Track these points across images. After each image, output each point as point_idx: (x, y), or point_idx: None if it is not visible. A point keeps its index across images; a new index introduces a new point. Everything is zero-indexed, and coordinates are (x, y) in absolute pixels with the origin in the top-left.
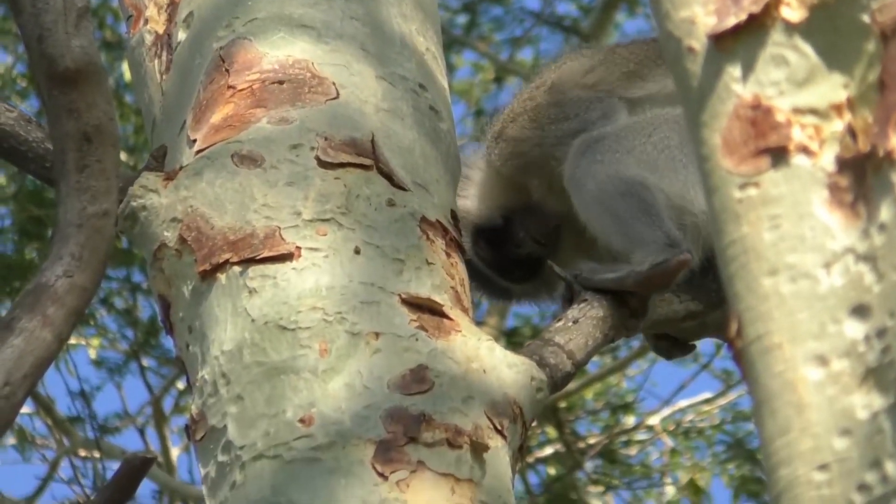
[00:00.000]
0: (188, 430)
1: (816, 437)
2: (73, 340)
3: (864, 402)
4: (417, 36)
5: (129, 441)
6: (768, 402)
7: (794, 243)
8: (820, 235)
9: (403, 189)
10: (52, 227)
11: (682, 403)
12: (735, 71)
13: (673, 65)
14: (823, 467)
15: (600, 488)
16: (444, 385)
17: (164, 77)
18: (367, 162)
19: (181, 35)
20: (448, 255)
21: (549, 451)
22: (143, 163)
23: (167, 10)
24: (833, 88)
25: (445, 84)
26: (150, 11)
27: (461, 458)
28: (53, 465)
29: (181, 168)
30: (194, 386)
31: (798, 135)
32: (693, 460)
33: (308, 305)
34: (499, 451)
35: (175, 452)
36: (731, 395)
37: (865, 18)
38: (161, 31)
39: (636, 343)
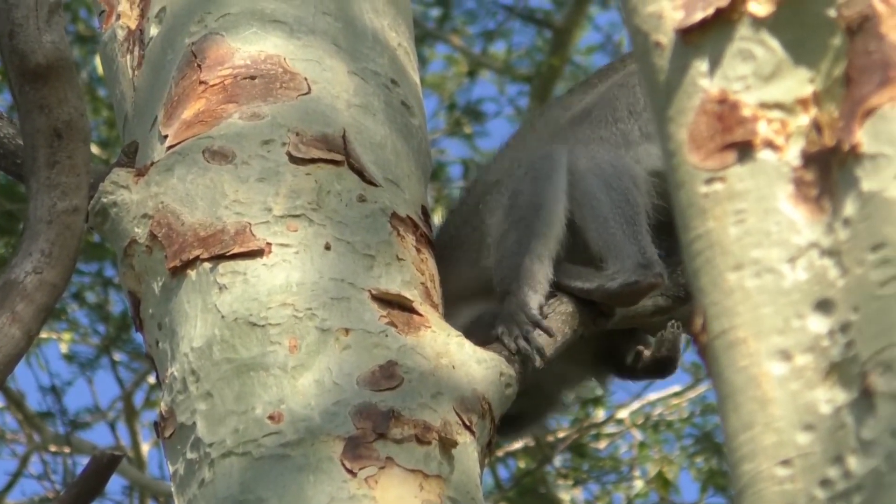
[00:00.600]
0: (157, 428)
1: (780, 431)
2: (44, 335)
3: (828, 397)
4: (389, 31)
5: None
6: (732, 397)
7: (759, 238)
8: (785, 230)
9: (374, 185)
10: (24, 221)
11: (652, 397)
12: (702, 66)
13: (640, 60)
14: (786, 462)
15: (569, 482)
16: (413, 381)
17: (136, 73)
18: (339, 158)
19: (153, 30)
20: (418, 250)
21: (518, 444)
22: (116, 157)
23: (139, 5)
24: (799, 83)
25: (417, 79)
26: (123, 7)
27: (430, 454)
28: (24, 461)
29: (152, 164)
30: (164, 383)
31: (764, 129)
32: (662, 453)
33: (278, 301)
34: (467, 447)
35: (145, 448)
36: (700, 389)
37: (832, 13)
38: (133, 26)
39: None
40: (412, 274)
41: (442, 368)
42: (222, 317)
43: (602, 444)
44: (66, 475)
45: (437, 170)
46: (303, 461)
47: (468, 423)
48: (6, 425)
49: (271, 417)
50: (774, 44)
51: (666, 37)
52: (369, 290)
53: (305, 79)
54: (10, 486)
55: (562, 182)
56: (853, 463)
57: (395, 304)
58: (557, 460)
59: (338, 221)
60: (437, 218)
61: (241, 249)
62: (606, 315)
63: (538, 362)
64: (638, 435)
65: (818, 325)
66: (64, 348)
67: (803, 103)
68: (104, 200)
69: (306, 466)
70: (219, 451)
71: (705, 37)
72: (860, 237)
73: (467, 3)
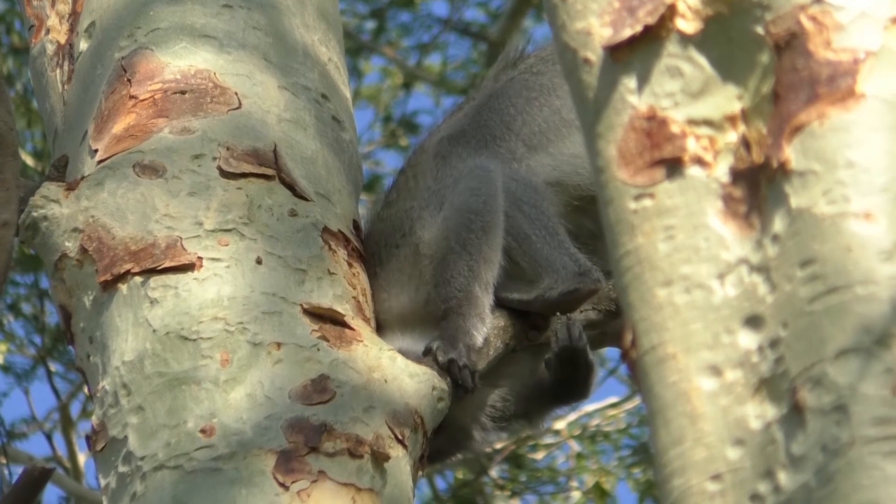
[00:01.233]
0: (89, 441)
1: (710, 447)
2: None
3: (758, 413)
4: (320, 46)
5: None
6: (662, 413)
7: (688, 254)
8: (714, 246)
9: (306, 199)
10: None
11: (589, 408)
12: (630, 82)
13: (569, 76)
14: (716, 477)
15: (507, 493)
16: (345, 395)
17: (65, 87)
18: (270, 172)
19: (83, 45)
20: (350, 265)
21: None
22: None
23: (69, 20)
24: (727, 100)
25: (348, 94)
26: (52, 21)
27: (362, 468)
28: None
29: (83, 178)
30: (95, 396)
31: (693, 146)
32: (599, 464)
33: (209, 315)
34: (400, 461)
35: (82, 458)
36: (637, 400)
37: (759, 30)
38: (63, 41)
39: None
40: (344, 288)
41: (374, 382)
42: (154, 331)
43: (539, 455)
44: (2, 485)
45: (373, 182)
46: (235, 475)
47: (401, 437)
48: None
49: (203, 431)
50: (702, 61)
51: (594, 54)
52: (301, 305)
53: (236, 93)
54: None
55: (502, 201)
56: (783, 478)
57: (326, 318)
58: (495, 471)
59: (269, 236)
60: None
61: (173, 263)
62: (539, 328)
63: (469, 388)
64: (575, 446)
65: (748, 340)
66: (0, 359)
67: (732, 120)
68: (34, 214)
69: (238, 480)
70: (151, 464)
71: (633, 54)
72: (789, 253)
73: (402, 16)
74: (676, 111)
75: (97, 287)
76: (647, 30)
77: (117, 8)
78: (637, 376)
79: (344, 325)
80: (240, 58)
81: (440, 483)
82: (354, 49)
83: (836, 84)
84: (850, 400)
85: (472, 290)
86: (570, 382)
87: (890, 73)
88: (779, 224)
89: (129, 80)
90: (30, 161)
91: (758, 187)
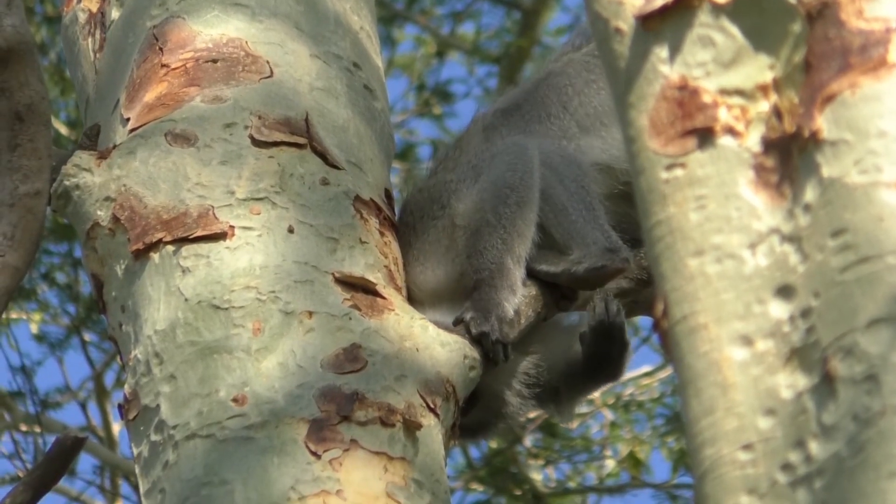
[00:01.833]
0: (121, 410)
1: (741, 416)
2: (14, 315)
3: (789, 382)
4: (352, 14)
5: (70, 416)
6: (693, 383)
7: (719, 224)
8: (745, 216)
9: (337, 168)
10: None
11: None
12: (662, 52)
13: (600, 46)
14: (748, 447)
15: (541, 461)
16: (377, 364)
17: (97, 55)
18: (301, 141)
19: (114, 13)
20: (382, 233)
21: None
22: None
23: None
24: (759, 69)
25: (380, 63)
26: None
27: (394, 437)
28: None
29: (114, 147)
30: (127, 365)
31: (724, 116)
32: (633, 433)
33: (241, 285)
34: (431, 430)
35: (116, 427)
36: (670, 369)
37: (792, 0)
38: (94, 9)
39: None
40: (375, 257)
41: (406, 351)
42: (185, 300)
43: (573, 424)
44: (36, 454)
45: (406, 150)
46: (267, 443)
47: (432, 406)
48: None
49: (235, 400)
50: (734, 30)
51: (626, 23)
52: (333, 274)
53: (267, 62)
54: None
55: (538, 178)
56: (814, 447)
57: (358, 287)
58: (528, 440)
59: (301, 204)
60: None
61: (204, 232)
62: (569, 298)
63: (500, 362)
64: (609, 415)
65: (779, 310)
66: (34, 328)
67: (763, 90)
68: (66, 183)
69: (270, 449)
70: (183, 433)
71: (665, 23)
72: (821, 223)
73: None
74: (708, 81)
75: (129, 256)
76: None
77: None
78: (668, 346)
79: (375, 293)
80: (271, 26)
81: (474, 452)
82: (388, 17)
83: (868, 53)
84: (882, 369)
85: (504, 262)
86: (604, 359)
87: None
88: (810, 193)
89: (160, 49)
90: (63, 130)
91: (789, 157)
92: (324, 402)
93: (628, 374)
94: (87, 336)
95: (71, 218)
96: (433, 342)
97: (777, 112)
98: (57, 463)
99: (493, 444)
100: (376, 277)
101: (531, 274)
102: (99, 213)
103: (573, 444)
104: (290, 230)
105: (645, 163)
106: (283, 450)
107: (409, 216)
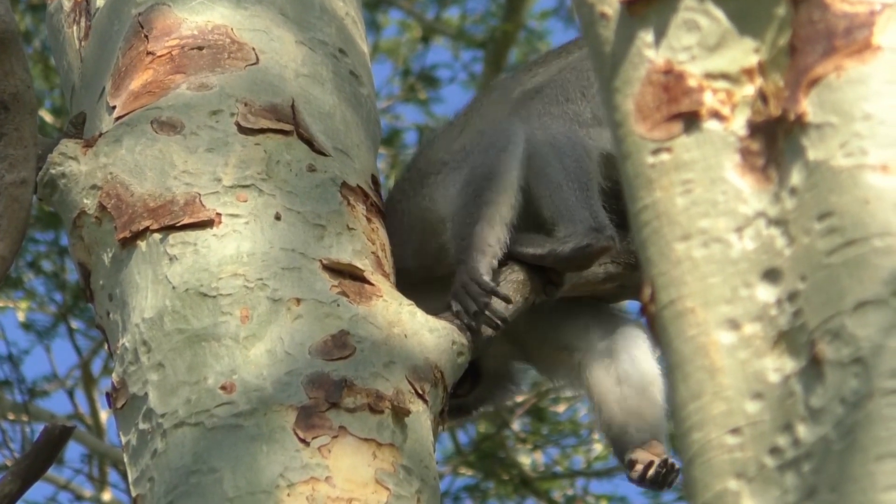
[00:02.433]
0: (109, 398)
1: (729, 400)
2: (0, 304)
3: (776, 366)
4: (337, 0)
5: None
6: (681, 367)
7: (706, 208)
8: (732, 200)
9: (324, 154)
10: None
11: None
12: (647, 36)
13: (586, 31)
14: (735, 431)
15: (529, 446)
16: (365, 350)
17: (82, 43)
18: (288, 127)
19: (99, 1)
20: (369, 220)
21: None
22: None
23: None
24: (744, 53)
25: (366, 48)
26: None
27: (383, 423)
28: None
29: (100, 135)
30: (115, 354)
31: (710, 100)
32: None
33: (229, 272)
34: (420, 416)
35: (104, 415)
36: (659, 353)
37: None
38: None
39: None
40: (363, 243)
41: (394, 337)
42: (173, 287)
43: (561, 408)
44: (24, 443)
45: (392, 136)
46: (255, 431)
47: (421, 392)
48: None
49: (223, 388)
50: (719, 14)
51: (611, 7)
52: (320, 260)
53: (253, 49)
54: None
55: (517, 151)
56: (802, 431)
57: (346, 273)
58: (517, 424)
59: (288, 191)
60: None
61: (191, 220)
62: (556, 283)
63: (497, 327)
64: None
65: (766, 294)
66: (21, 317)
67: (749, 73)
68: (52, 172)
69: (259, 436)
70: (171, 421)
71: (650, 7)
72: (807, 206)
73: None
74: (693, 65)
75: (116, 244)
76: None
77: None
78: (656, 331)
79: (363, 280)
80: (257, 13)
81: (462, 437)
82: (372, 2)
83: (853, 36)
84: (869, 352)
85: (472, 230)
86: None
87: None
88: (796, 177)
89: (146, 37)
90: (48, 118)
91: (775, 140)
92: (312, 389)
93: None
94: (74, 324)
95: (57, 206)
96: (421, 328)
97: (762, 96)
98: (45, 452)
99: (482, 429)
100: (364, 264)
101: (518, 259)
102: (85, 201)
103: (561, 428)
104: (278, 217)
105: (631, 147)
106: (272, 437)
107: (398, 196)
